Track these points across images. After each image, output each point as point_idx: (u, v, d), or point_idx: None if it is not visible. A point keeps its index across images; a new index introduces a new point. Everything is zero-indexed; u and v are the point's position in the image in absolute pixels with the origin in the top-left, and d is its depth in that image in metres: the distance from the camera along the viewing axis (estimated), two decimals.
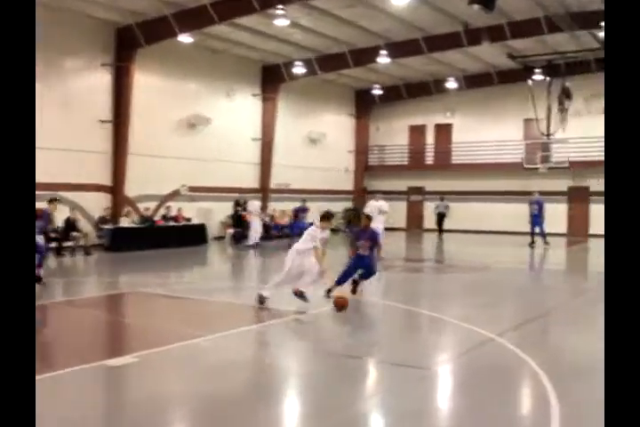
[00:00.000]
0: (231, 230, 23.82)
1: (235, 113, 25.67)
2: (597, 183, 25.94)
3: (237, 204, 24.19)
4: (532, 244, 21.56)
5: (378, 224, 15.15)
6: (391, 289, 12.41)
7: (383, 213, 17.07)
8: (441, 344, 7.91)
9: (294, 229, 22.38)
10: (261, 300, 9.77)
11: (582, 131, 26.87)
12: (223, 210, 24.57)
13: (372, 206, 17.07)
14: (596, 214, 27.02)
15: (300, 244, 9.57)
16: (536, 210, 21.54)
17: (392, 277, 13.84)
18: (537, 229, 21.70)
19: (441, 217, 29.74)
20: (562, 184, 28.49)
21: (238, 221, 23.24)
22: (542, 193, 25.01)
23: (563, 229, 28.24)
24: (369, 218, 11.21)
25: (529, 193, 25.11)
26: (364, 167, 33.08)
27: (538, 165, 26.58)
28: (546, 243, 21.34)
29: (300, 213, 24.34)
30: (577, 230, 27.72)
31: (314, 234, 9.46)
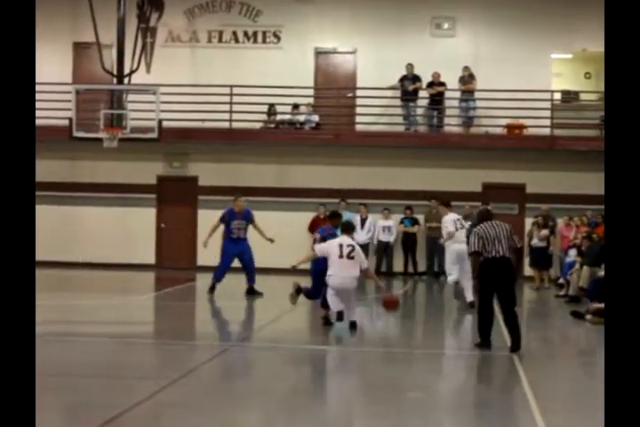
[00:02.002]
0: None
1: None
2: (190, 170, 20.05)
3: None
4: None
5: None
6: None
7: None
8: None
9: None
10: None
11: (187, 71, 20.11)
12: None
13: None
14: (206, 227, 18.64)
15: None
16: None
17: None
18: None
19: None
20: (148, 171, 20.10)
21: None
22: (113, 187, 19.68)
23: (149, 255, 20.06)
24: None
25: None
26: None
27: (100, 134, 18.11)
28: None
29: None
30: (174, 258, 19.86)
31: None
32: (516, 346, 9.01)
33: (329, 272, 10.14)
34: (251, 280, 14.19)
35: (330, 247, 10.21)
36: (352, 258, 10.08)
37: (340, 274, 10.09)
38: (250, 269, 14.20)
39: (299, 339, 10.33)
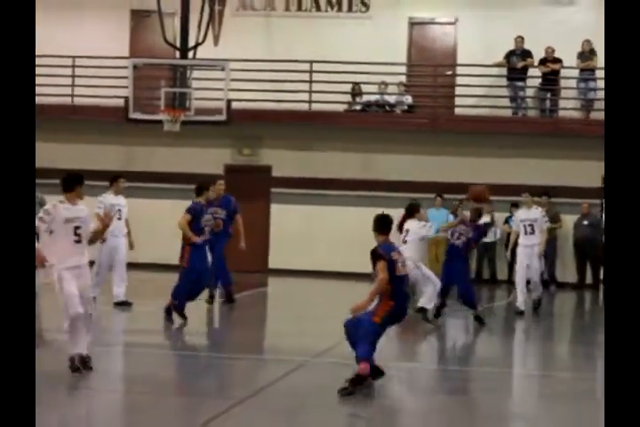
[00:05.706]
0: None
1: None
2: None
3: None
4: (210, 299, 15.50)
5: None
6: None
7: None
8: None
9: None
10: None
11: (260, 45, 20.71)
12: None
13: None
14: (281, 224, 20.13)
15: None
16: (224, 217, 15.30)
17: None
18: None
19: None
20: (215, 159, 20.69)
21: None
22: (173, 177, 20.35)
23: None
24: None
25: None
26: None
27: (160, 116, 18.80)
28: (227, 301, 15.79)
29: None
30: (243, 260, 19.59)
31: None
32: None
33: None
34: None
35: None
36: (405, 242, 12.43)
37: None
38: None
39: None
